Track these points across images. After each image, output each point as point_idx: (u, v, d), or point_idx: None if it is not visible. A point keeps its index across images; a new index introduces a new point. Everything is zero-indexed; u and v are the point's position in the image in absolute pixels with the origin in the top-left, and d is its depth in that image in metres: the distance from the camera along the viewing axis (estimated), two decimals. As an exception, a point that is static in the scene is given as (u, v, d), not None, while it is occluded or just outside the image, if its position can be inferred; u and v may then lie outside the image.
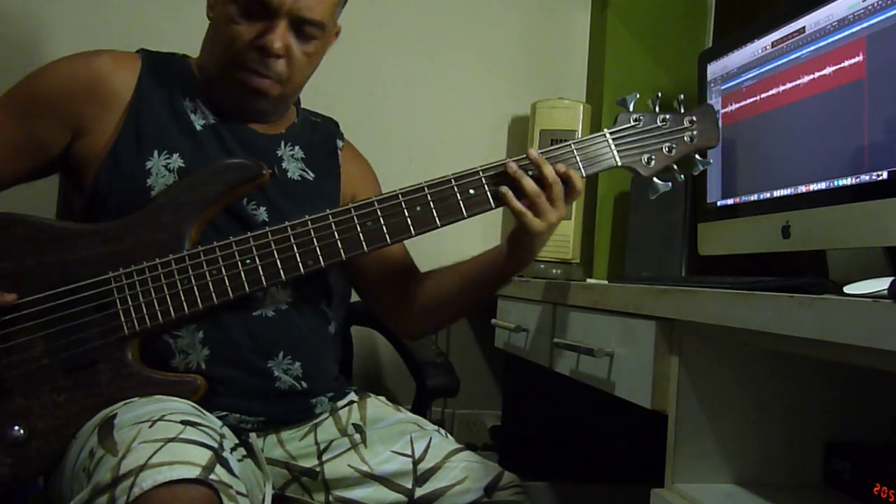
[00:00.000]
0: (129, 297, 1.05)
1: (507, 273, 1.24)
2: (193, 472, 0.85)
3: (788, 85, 1.26)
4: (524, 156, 1.12)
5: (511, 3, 2.12)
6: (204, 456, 0.88)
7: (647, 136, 1.17)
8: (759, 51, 1.33)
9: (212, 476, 0.86)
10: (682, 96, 1.19)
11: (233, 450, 0.98)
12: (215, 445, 0.92)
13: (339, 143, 1.33)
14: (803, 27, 1.22)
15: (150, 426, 0.92)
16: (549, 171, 1.11)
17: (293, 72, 1.16)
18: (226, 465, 0.90)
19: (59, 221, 1.11)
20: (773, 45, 1.30)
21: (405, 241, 1.18)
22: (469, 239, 1.87)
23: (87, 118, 1.12)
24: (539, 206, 1.10)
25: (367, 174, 1.36)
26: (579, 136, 1.80)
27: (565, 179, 1.11)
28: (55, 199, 1.48)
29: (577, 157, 1.15)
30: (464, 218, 1.13)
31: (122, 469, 0.85)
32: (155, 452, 0.87)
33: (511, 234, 1.18)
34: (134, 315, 1.05)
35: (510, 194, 1.11)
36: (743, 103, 1.38)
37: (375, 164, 1.38)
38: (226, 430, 1.04)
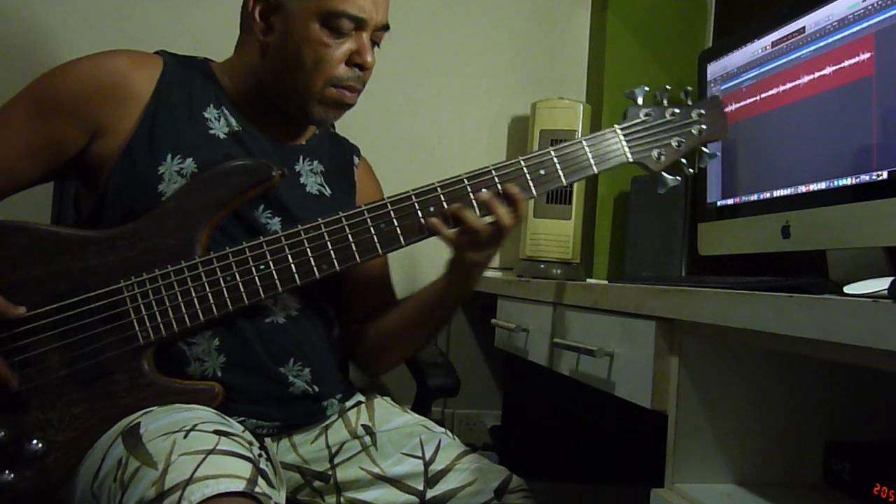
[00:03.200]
0: (142, 306, 1.04)
1: (450, 303, 1.22)
2: (240, 486, 0.86)
3: (788, 85, 1.26)
4: (457, 177, 1.10)
5: (511, 2, 2.12)
6: (246, 468, 0.89)
7: (656, 130, 1.16)
8: (759, 51, 1.33)
9: (256, 488, 0.87)
10: (689, 88, 1.19)
11: (260, 457, 0.98)
12: (252, 456, 0.93)
13: (356, 161, 1.33)
14: (803, 27, 1.22)
15: (185, 437, 0.92)
16: (501, 210, 1.08)
17: (367, 80, 1.18)
18: (265, 476, 0.91)
19: (64, 229, 1.08)
20: (773, 45, 1.30)
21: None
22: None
23: (105, 118, 1.10)
24: (480, 241, 1.09)
25: (377, 194, 1.35)
26: (580, 135, 1.81)
27: (512, 202, 1.09)
28: (49, 202, 1.48)
29: (589, 154, 1.14)
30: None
31: (167, 483, 0.86)
32: (198, 466, 0.87)
33: (448, 262, 1.16)
34: (148, 324, 1.04)
35: (439, 223, 1.09)
36: (743, 103, 1.38)
37: (375, 163, 1.38)
38: (251, 438, 1.04)
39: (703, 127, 1.17)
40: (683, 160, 1.18)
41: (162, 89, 1.13)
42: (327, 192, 1.24)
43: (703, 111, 1.17)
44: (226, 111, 1.16)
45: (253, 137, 1.17)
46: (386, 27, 1.18)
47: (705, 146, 1.18)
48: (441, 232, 1.09)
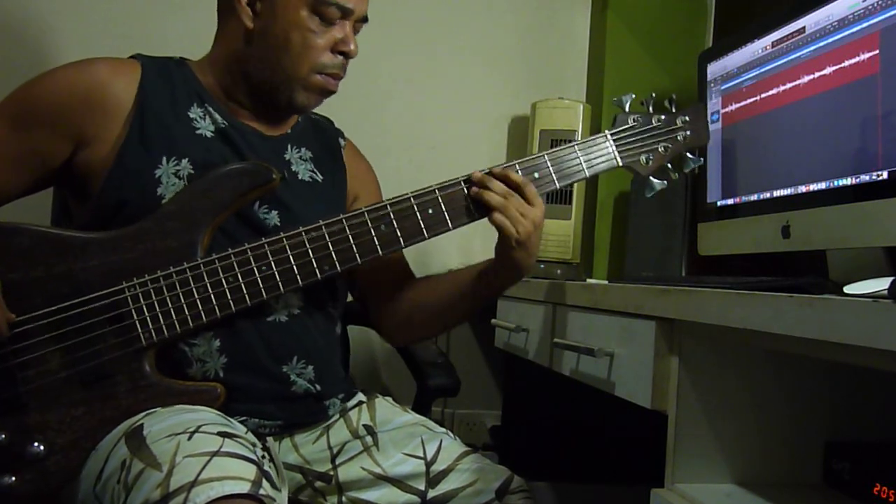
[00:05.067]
0: (144, 307, 1.04)
1: (496, 287, 1.22)
2: (244, 488, 0.87)
3: (788, 85, 1.26)
4: (455, 180, 1.13)
5: (511, 2, 2.12)
6: (250, 470, 0.89)
7: (644, 136, 1.19)
8: (759, 51, 1.33)
9: (261, 490, 0.87)
10: (673, 96, 1.23)
11: (263, 458, 0.98)
12: (255, 458, 0.93)
13: (342, 142, 1.34)
14: (803, 27, 1.22)
15: (189, 439, 0.92)
16: (497, 185, 1.11)
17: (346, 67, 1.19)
18: (269, 478, 0.91)
19: (66, 230, 1.08)
20: (773, 45, 1.30)
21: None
22: (458, 245, 1.87)
23: (89, 128, 1.10)
24: (510, 214, 1.10)
25: (369, 173, 1.36)
26: (579, 135, 1.82)
27: (511, 184, 1.11)
28: (49, 207, 1.47)
29: (581, 158, 1.17)
30: (475, 219, 1.13)
31: (171, 485, 0.86)
32: (203, 468, 0.87)
33: (496, 247, 1.16)
34: (151, 325, 1.04)
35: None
36: (743, 103, 1.38)
37: (375, 164, 1.39)
38: (254, 439, 1.04)
39: (688, 133, 1.20)
40: (669, 165, 1.21)
41: (143, 94, 1.12)
42: (319, 177, 1.25)
43: (687, 118, 1.21)
44: (209, 109, 1.16)
45: (240, 131, 1.17)
46: (366, 19, 1.20)
47: (691, 152, 1.21)
48: (488, 202, 1.10)
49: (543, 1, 2.14)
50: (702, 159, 1.23)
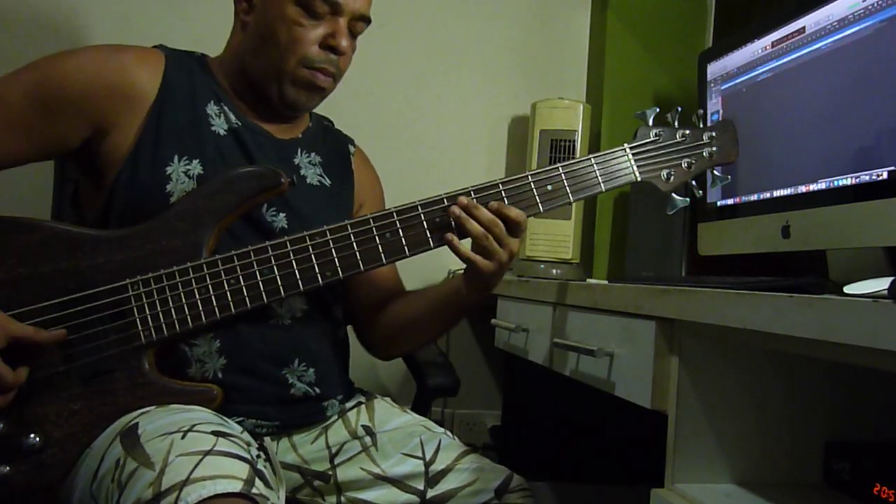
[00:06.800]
0: (146, 306, 1.04)
1: (468, 305, 1.22)
2: (236, 487, 0.86)
3: (788, 85, 1.26)
4: (464, 190, 1.10)
5: (511, 3, 2.12)
6: (243, 469, 0.89)
7: (666, 151, 1.16)
8: (759, 51, 1.33)
9: (253, 489, 0.87)
10: (700, 111, 1.19)
11: (258, 458, 0.98)
12: (249, 457, 0.93)
13: (352, 149, 1.34)
14: (803, 27, 1.22)
15: (182, 437, 0.92)
16: (482, 213, 1.08)
17: (344, 68, 1.19)
18: (262, 477, 0.91)
19: (74, 227, 1.09)
20: (773, 45, 1.30)
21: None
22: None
23: (111, 116, 1.10)
24: (486, 248, 1.08)
25: (376, 183, 1.36)
26: (579, 135, 1.82)
27: (503, 217, 1.08)
28: (49, 204, 1.48)
29: (597, 172, 1.14)
30: None
31: (163, 484, 0.86)
32: (195, 467, 0.87)
33: (465, 272, 1.16)
34: (151, 324, 1.04)
35: (455, 241, 1.08)
36: (743, 103, 1.38)
37: (376, 163, 1.39)
38: (249, 438, 1.04)
39: (714, 149, 1.17)
40: (694, 182, 1.18)
41: (166, 88, 1.13)
42: (327, 182, 1.25)
43: (714, 133, 1.17)
44: (225, 107, 1.17)
45: (251, 132, 1.18)
46: (365, 18, 1.18)
47: (716, 169, 1.18)
48: (457, 249, 1.08)
49: (543, 1, 2.14)
50: (729, 177, 1.20)
